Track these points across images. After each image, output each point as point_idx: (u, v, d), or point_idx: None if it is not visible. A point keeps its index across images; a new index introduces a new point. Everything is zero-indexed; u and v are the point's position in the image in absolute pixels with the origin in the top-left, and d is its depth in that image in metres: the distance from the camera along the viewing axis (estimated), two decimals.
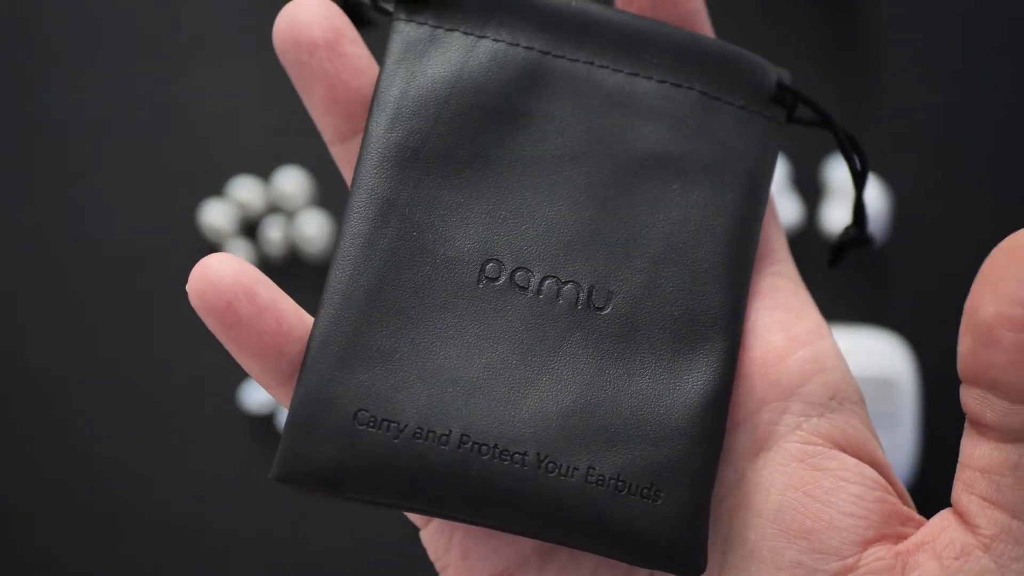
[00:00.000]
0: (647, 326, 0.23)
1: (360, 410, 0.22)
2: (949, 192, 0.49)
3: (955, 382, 0.48)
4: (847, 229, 0.26)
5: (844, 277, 0.49)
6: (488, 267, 0.23)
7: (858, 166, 0.25)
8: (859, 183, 0.25)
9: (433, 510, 0.22)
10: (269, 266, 0.49)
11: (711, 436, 0.23)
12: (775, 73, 0.24)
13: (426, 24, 0.24)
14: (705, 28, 0.25)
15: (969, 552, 0.21)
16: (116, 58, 0.50)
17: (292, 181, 0.48)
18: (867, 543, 0.22)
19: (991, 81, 0.50)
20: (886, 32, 0.50)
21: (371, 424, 0.22)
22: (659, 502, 0.22)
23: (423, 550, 0.48)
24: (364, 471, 0.22)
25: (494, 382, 0.23)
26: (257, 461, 0.48)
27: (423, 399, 0.22)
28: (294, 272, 0.49)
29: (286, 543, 0.48)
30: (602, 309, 0.23)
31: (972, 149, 0.49)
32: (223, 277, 0.22)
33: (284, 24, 0.24)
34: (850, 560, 0.22)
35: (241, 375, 0.48)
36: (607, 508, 0.22)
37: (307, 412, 0.22)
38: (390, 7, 0.24)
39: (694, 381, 0.23)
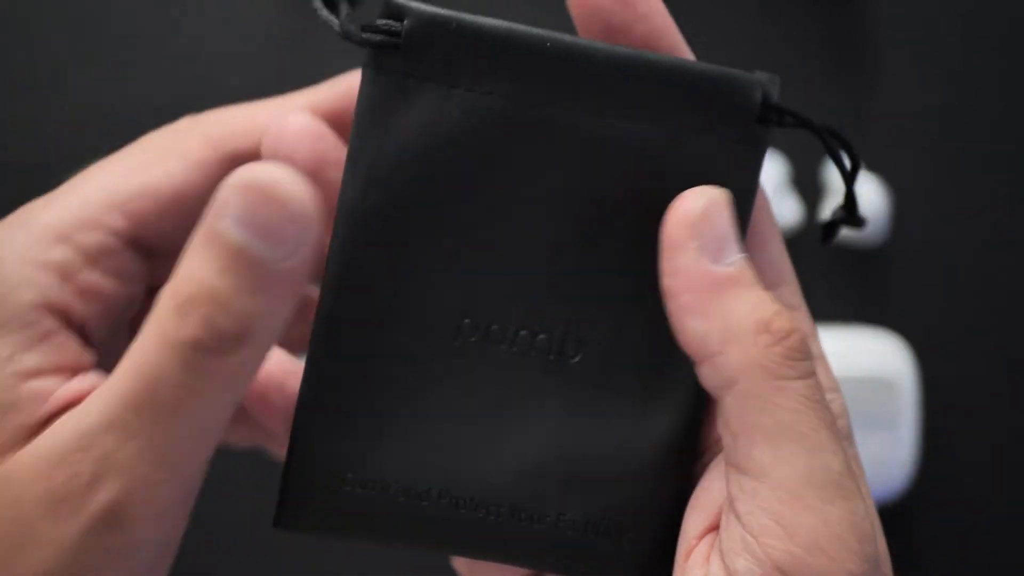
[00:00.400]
0: (616, 371, 0.24)
1: (347, 473, 0.24)
2: (949, 192, 0.49)
3: (955, 382, 0.48)
4: (837, 210, 0.26)
5: (844, 277, 0.49)
6: (464, 324, 0.23)
7: (847, 164, 0.25)
8: (849, 179, 0.25)
9: (422, 551, 0.24)
10: None
11: (675, 479, 0.24)
12: (759, 91, 0.23)
13: (397, 74, 0.23)
14: (675, 42, 0.24)
15: (723, 522, 0.22)
16: (116, 58, 0.50)
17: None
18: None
19: (991, 81, 0.50)
20: (886, 32, 0.50)
21: (357, 486, 0.24)
22: (623, 543, 0.24)
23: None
24: (353, 527, 0.24)
25: (471, 437, 0.24)
26: (256, 461, 0.48)
27: (404, 459, 0.24)
28: None
29: (287, 542, 0.48)
30: (573, 357, 0.24)
31: (972, 149, 0.49)
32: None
33: (270, 141, 0.24)
34: (694, 543, 0.23)
35: None
36: (575, 549, 0.24)
37: (298, 479, 0.24)
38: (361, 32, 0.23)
39: (659, 425, 0.24)
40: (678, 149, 0.23)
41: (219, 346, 0.20)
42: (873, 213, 0.47)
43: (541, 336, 0.23)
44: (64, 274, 0.22)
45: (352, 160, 0.23)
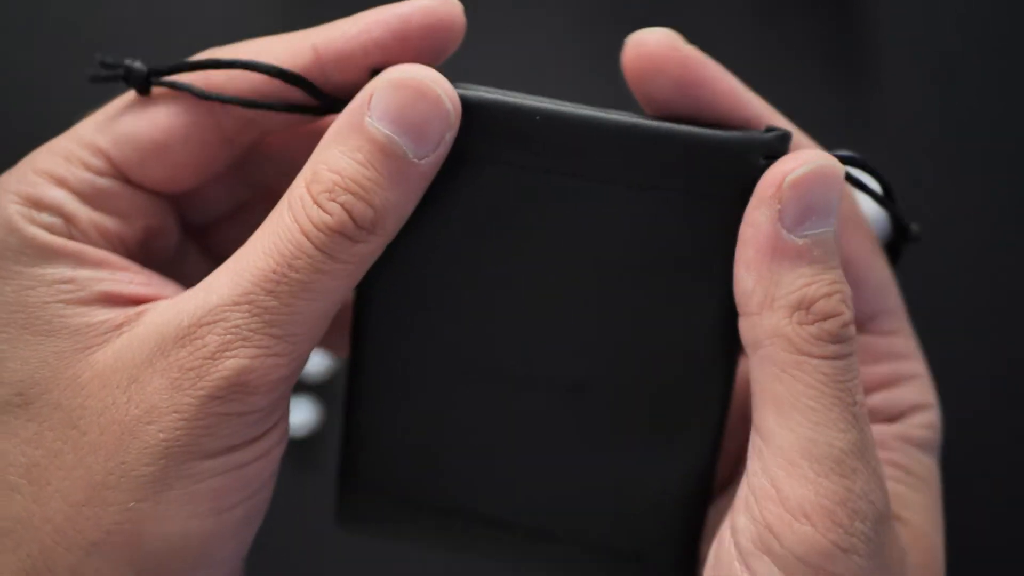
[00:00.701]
0: (628, 411, 0.24)
1: (386, 492, 0.26)
2: (949, 192, 0.49)
3: (955, 382, 0.48)
4: (890, 235, 0.26)
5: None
6: (485, 369, 0.25)
7: (878, 189, 0.25)
8: (885, 201, 0.24)
9: (460, 557, 0.27)
10: None
11: (693, 506, 0.25)
12: (759, 155, 0.23)
13: None
14: (749, 113, 0.24)
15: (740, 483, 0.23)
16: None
17: None
18: None
19: (991, 81, 0.50)
20: (886, 32, 0.50)
21: (395, 504, 0.26)
22: (645, 565, 0.25)
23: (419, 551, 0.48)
24: (394, 536, 0.27)
25: (499, 466, 0.25)
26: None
27: (434, 483, 0.26)
28: None
29: (287, 542, 0.48)
30: (587, 398, 0.24)
31: (972, 149, 0.50)
32: None
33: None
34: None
35: None
36: (599, 568, 0.26)
37: (347, 493, 0.26)
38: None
39: (674, 459, 0.25)
40: (680, 215, 0.23)
41: (355, 233, 0.21)
42: (873, 213, 0.47)
43: (557, 380, 0.24)
44: (64, 215, 0.23)
45: None
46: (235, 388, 0.21)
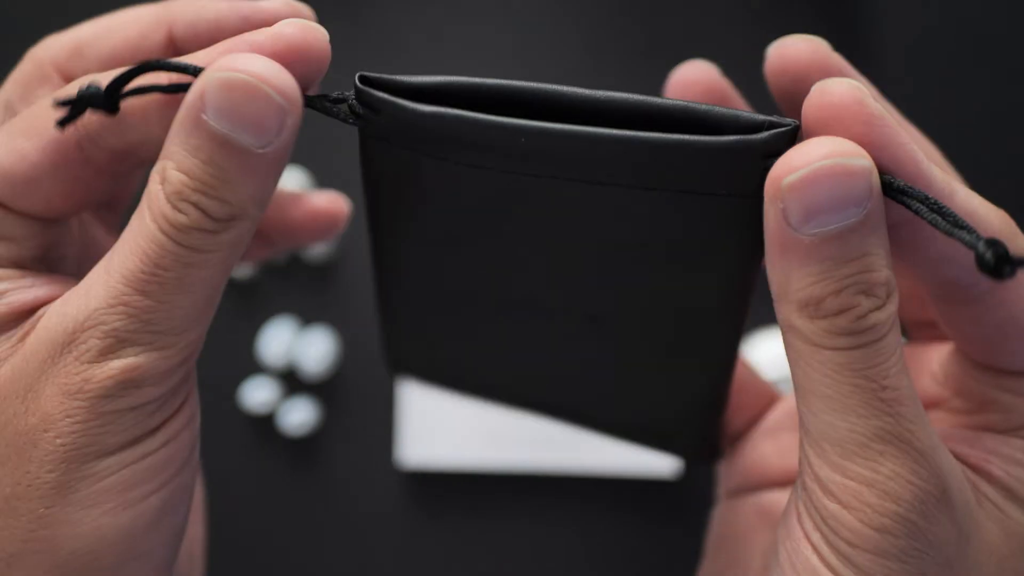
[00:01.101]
0: (641, 331, 0.26)
1: (423, 370, 0.30)
2: None
3: None
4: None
5: None
6: (506, 302, 0.26)
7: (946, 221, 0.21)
8: (955, 231, 0.21)
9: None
10: (269, 266, 0.49)
11: (713, 402, 0.27)
12: (760, 155, 0.21)
13: (390, 144, 0.23)
14: (921, 171, 0.21)
15: None
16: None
17: (292, 181, 0.48)
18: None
19: (991, 81, 0.50)
20: (886, 32, 0.50)
21: (438, 375, 0.30)
22: (677, 442, 0.29)
23: (417, 551, 0.48)
24: (434, 384, 0.30)
25: (530, 373, 0.28)
26: (258, 460, 0.48)
27: (477, 382, 0.29)
28: (294, 272, 0.49)
29: (287, 542, 0.48)
30: (601, 322, 0.26)
31: (972, 149, 0.50)
32: None
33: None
34: None
35: (242, 375, 0.48)
36: (637, 438, 0.29)
37: (393, 366, 0.31)
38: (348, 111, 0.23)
39: (694, 371, 0.26)
40: (675, 215, 0.23)
41: (215, 227, 0.21)
42: None
43: (570, 310, 0.26)
44: None
45: (378, 219, 0.25)
46: (124, 386, 0.21)
